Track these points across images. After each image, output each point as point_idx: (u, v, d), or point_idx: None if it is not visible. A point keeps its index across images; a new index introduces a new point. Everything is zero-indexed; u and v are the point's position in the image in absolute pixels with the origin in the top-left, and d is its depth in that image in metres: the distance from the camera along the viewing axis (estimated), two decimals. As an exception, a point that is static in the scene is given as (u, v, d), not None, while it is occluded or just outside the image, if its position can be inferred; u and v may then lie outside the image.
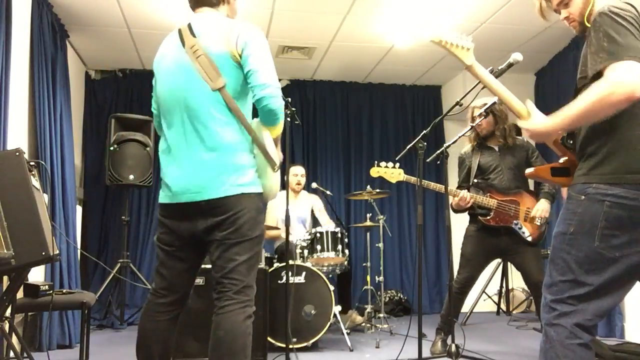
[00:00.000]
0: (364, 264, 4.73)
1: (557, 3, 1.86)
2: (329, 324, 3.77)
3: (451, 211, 3.60)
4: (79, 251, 4.39)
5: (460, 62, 2.00)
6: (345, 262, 4.24)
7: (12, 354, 2.56)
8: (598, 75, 1.60)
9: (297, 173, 4.77)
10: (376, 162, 3.67)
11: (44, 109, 3.85)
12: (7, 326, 2.51)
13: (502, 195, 3.55)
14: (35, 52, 3.80)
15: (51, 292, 2.86)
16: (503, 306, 5.63)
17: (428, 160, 3.46)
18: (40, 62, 3.85)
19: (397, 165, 3.60)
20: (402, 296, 5.74)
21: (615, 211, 1.60)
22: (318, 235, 4.12)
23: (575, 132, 1.82)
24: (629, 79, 1.52)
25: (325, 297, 3.78)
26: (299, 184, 4.75)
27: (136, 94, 5.71)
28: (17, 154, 2.41)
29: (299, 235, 4.31)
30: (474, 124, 3.47)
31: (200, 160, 2.00)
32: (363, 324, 4.59)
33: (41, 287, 2.83)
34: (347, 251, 4.20)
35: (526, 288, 5.31)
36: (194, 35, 2.05)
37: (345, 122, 6.21)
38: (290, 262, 3.64)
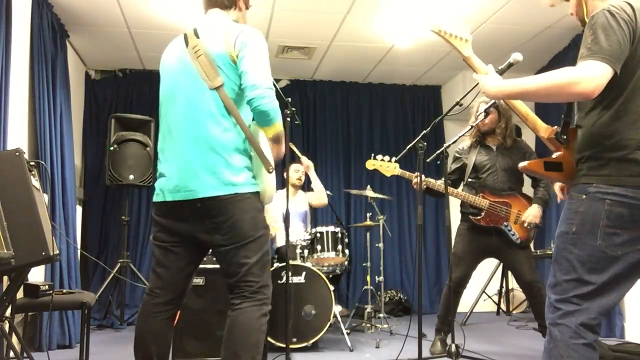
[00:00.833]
0: (364, 264, 4.73)
1: None
2: (329, 324, 3.77)
3: (451, 211, 3.60)
4: (79, 251, 4.39)
5: (458, 54, 2.03)
6: (346, 262, 4.24)
7: (12, 354, 2.56)
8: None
9: (299, 169, 4.75)
10: (373, 154, 3.66)
11: (44, 109, 3.85)
12: (7, 326, 2.51)
13: (494, 196, 3.56)
14: (35, 52, 3.80)
15: (51, 292, 2.86)
16: (503, 306, 5.63)
17: (428, 160, 3.46)
18: (40, 62, 3.85)
19: (394, 159, 3.60)
20: (402, 296, 5.74)
21: (616, 209, 1.61)
22: (318, 235, 4.12)
23: (571, 129, 1.84)
24: (595, 77, 1.56)
25: (325, 297, 3.78)
26: (299, 179, 4.73)
27: (136, 94, 5.71)
28: (17, 154, 2.41)
29: (299, 232, 4.31)
30: (477, 120, 3.47)
31: (194, 158, 2.02)
32: (363, 324, 4.59)
33: (41, 287, 2.83)
34: (347, 251, 4.20)
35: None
36: (197, 37, 2.10)
37: (345, 122, 6.21)
38: (290, 262, 3.63)
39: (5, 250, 2.09)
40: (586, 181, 1.68)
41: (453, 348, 3.15)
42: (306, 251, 4.08)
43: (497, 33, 4.77)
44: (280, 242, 4.57)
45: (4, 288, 2.60)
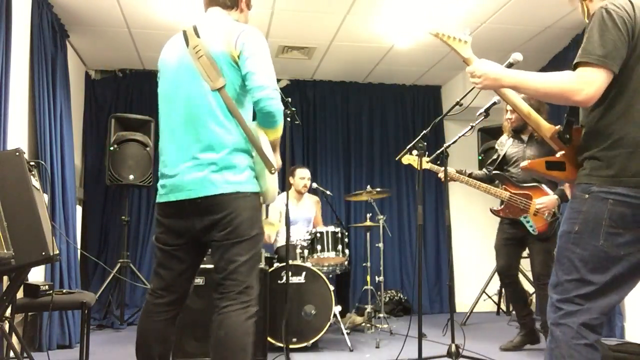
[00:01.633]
0: (364, 264, 4.73)
1: None
2: (329, 324, 3.77)
3: (451, 211, 3.63)
4: (79, 251, 4.39)
5: (457, 56, 2.02)
6: (346, 262, 4.24)
7: (12, 354, 2.56)
8: (575, 67, 1.64)
9: (304, 176, 4.74)
10: (408, 149, 3.61)
11: (44, 109, 3.85)
12: (7, 326, 2.52)
13: (516, 188, 3.62)
14: (35, 52, 3.80)
15: (51, 292, 2.86)
16: (503, 306, 5.63)
17: (428, 160, 3.46)
18: (40, 62, 3.85)
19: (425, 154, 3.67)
20: (402, 296, 5.74)
21: (618, 209, 1.61)
22: (318, 235, 4.12)
23: (574, 128, 1.83)
24: (593, 86, 1.58)
25: (325, 297, 3.78)
26: (305, 186, 4.74)
27: (136, 94, 5.71)
28: (17, 154, 2.41)
29: (302, 234, 4.31)
30: (479, 119, 3.49)
31: (197, 158, 2.01)
32: (363, 324, 4.59)
33: (41, 287, 2.83)
34: (347, 251, 4.20)
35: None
36: (198, 36, 2.08)
37: (345, 122, 6.20)
38: (290, 262, 3.63)
39: (5, 250, 2.09)
40: (589, 181, 1.67)
41: (453, 348, 3.15)
42: (306, 251, 4.08)
43: (497, 33, 4.77)
44: (280, 242, 4.57)
45: (4, 288, 2.60)
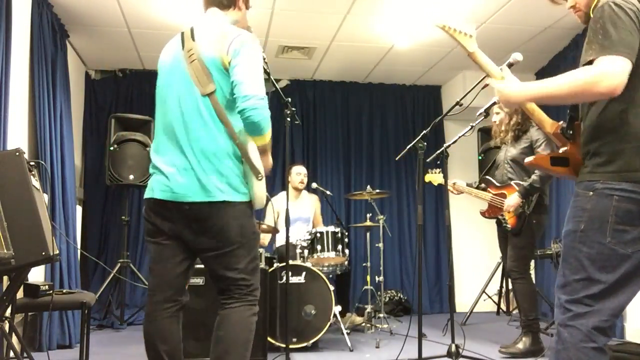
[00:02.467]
0: (364, 264, 4.73)
1: None
2: (329, 324, 3.77)
3: (451, 211, 3.68)
4: (79, 251, 4.39)
5: (463, 49, 2.02)
6: (346, 262, 4.25)
7: (12, 354, 2.56)
8: (588, 65, 1.58)
9: (301, 172, 4.80)
10: (430, 170, 4.02)
11: (44, 109, 3.85)
12: (7, 326, 2.51)
13: (496, 188, 3.75)
14: (35, 52, 3.80)
15: (51, 292, 2.86)
16: (503, 306, 5.63)
17: (428, 160, 3.47)
18: (40, 62, 3.85)
19: (439, 170, 3.94)
20: (402, 296, 5.74)
21: (624, 205, 1.57)
22: (318, 235, 4.12)
23: (577, 123, 1.80)
24: (617, 73, 1.51)
25: (325, 297, 3.78)
26: (302, 182, 4.77)
27: (136, 94, 5.71)
28: (17, 154, 2.41)
29: (302, 234, 4.32)
30: (478, 120, 3.52)
31: (185, 162, 2.02)
32: (363, 324, 4.59)
33: (41, 287, 2.83)
34: (347, 251, 4.20)
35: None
36: (193, 39, 2.09)
37: (345, 122, 6.20)
38: (290, 262, 3.63)
39: (5, 250, 2.09)
40: (592, 178, 1.64)
41: (453, 348, 3.15)
42: (306, 251, 4.08)
43: (497, 33, 4.77)
44: (280, 242, 4.57)
45: (4, 288, 2.60)
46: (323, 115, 6.15)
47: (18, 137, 3.58)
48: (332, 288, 3.82)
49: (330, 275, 4.34)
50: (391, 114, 6.28)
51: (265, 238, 4.60)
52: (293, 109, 3.25)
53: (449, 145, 3.48)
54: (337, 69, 5.81)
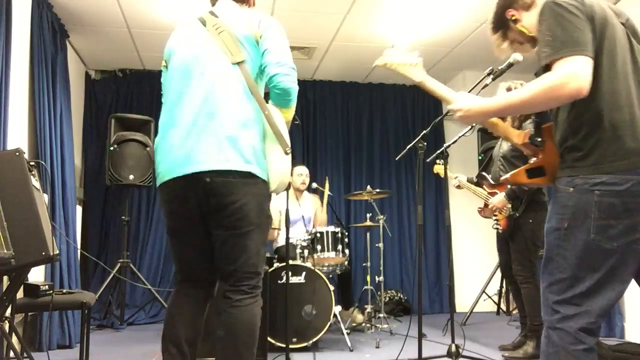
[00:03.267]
0: (364, 264, 4.73)
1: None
2: (329, 324, 3.76)
3: (451, 211, 3.66)
4: (79, 251, 4.38)
5: (410, 80, 1.93)
6: (346, 262, 4.24)
7: (12, 354, 2.56)
8: (546, 68, 1.56)
9: (302, 173, 4.78)
10: (437, 161, 3.93)
11: (44, 109, 3.85)
12: (7, 326, 2.51)
13: (490, 187, 3.67)
14: (35, 52, 3.80)
15: (51, 292, 2.86)
16: (503, 306, 5.63)
17: (428, 160, 3.48)
18: (40, 62, 3.85)
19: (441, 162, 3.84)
20: (402, 296, 5.74)
21: (606, 199, 1.53)
22: (318, 235, 4.12)
23: (544, 128, 1.77)
24: (579, 72, 1.48)
25: (325, 297, 3.78)
26: (303, 183, 4.77)
27: (136, 94, 5.71)
28: (17, 154, 2.41)
29: (302, 234, 4.32)
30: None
31: (208, 130, 1.92)
32: (363, 324, 4.59)
33: (41, 287, 2.83)
34: (347, 251, 4.20)
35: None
36: (216, 17, 2.07)
37: (345, 122, 6.21)
38: (290, 262, 3.63)
39: (5, 250, 2.09)
40: (571, 173, 1.60)
41: (453, 348, 3.15)
42: (306, 251, 4.08)
43: (497, 33, 4.76)
44: (280, 242, 4.57)
45: (4, 288, 2.60)
46: (323, 115, 6.15)
47: (18, 137, 3.58)
48: (332, 288, 3.82)
49: (331, 275, 4.34)
50: (391, 114, 6.28)
51: (274, 232, 4.60)
52: (293, 109, 3.24)
53: (449, 145, 3.48)
54: (337, 69, 5.81)
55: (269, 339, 3.53)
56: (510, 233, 3.55)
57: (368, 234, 4.78)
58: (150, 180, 4.81)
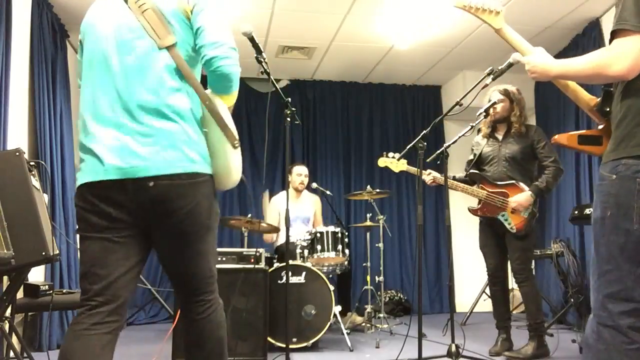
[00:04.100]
0: (364, 264, 4.73)
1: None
2: (329, 324, 3.76)
3: (451, 211, 3.63)
4: (78, 251, 4.38)
5: (490, 27, 1.90)
6: (346, 262, 4.24)
7: (12, 354, 2.56)
8: (612, 37, 1.51)
9: (301, 173, 4.78)
10: (384, 152, 3.81)
11: (44, 109, 3.85)
12: (7, 326, 2.51)
13: (492, 186, 3.59)
14: (35, 52, 3.80)
15: (51, 292, 2.86)
16: (503, 306, 5.63)
17: (428, 160, 3.46)
18: (40, 62, 3.85)
19: (396, 155, 3.72)
20: (402, 296, 5.74)
21: None
22: (318, 235, 4.12)
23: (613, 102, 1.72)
24: (626, 55, 1.45)
25: (325, 297, 3.78)
26: (302, 183, 4.76)
27: (136, 94, 5.70)
28: (17, 154, 2.41)
29: (302, 234, 4.32)
30: (483, 108, 3.49)
31: (142, 128, 1.64)
32: (363, 324, 4.59)
33: (41, 287, 2.83)
34: (347, 251, 4.20)
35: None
36: None
37: (345, 122, 6.21)
38: (290, 262, 3.63)
39: (5, 250, 2.09)
40: (614, 157, 1.53)
41: (453, 348, 3.15)
42: (306, 251, 4.08)
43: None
44: (280, 241, 4.57)
45: (4, 288, 2.60)
46: (323, 115, 6.15)
47: (18, 137, 3.58)
48: (332, 288, 3.81)
49: (331, 275, 4.34)
50: (391, 114, 6.28)
51: (269, 234, 4.60)
52: (293, 109, 3.24)
53: (449, 145, 3.48)
54: (337, 69, 5.81)
55: (269, 339, 3.53)
56: (525, 232, 3.50)
57: (368, 234, 4.77)
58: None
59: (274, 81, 2.93)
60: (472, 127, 3.48)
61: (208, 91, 1.76)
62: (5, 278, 2.62)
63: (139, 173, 1.62)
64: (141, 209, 1.66)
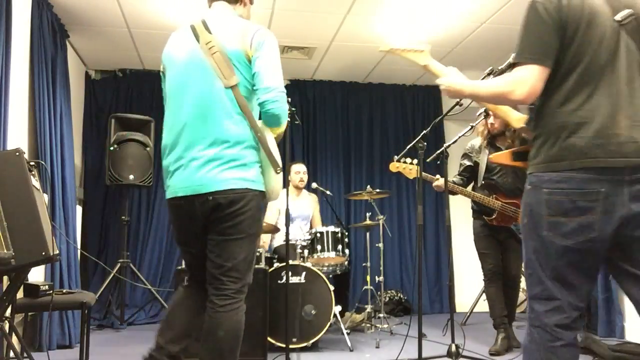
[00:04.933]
0: (364, 264, 4.73)
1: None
2: (329, 324, 3.76)
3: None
4: (79, 251, 4.39)
5: (416, 65, 2.01)
6: (346, 262, 4.24)
7: (12, 354, 2.56)
8: (514, 65, 1.65)
9: (300, 170, 4.80)
10: (395, 157, 3.71)
11: (44, 109, 3.85)
12: (7, 326, 2.51)
13: (506, 197, 3.67)
14: (35, 52, 3.80)
15: (51, 292, 2.86)
16: (503, 306, 5.63)
17: (428, 160, 3.47)
18: (40, 62, 3.85)
19: (415, 161, 3.58)
20: (402, 296, 5.74)
21: (554, 197, 1.56)
22: (318, 235, 4.12)
23: None
24: (526, 82, 1.57)
25: (325, 297, 3.78)
26: (302, 180, 4.77)
27: (136, 94, 5.71)
28: (17, 154, 2.41)
29: (301, 233, 4.32)
30: (477, 121, 3.51)
31: (207, 153, 2.03)
32: (363, 324, 4.59)
33: (41, 287, 2.83)
34: (347, 251, 4.20)
35: (526, 288, 5.33)
36: (209, 32, 2.09)
37: (345, 122, 6.21)
38: (290, 262, 3.63)
39: (5, 250, 2.09)
40: (530, 171, 1.66)
41: (453, 348, 3.15)
42: (306, 251, 4.08)
43: (497, 33, 4.77)
44: (278, 241, 4.57)
45: (4, 288, 2.60)
46: (323, 115, 6.15)
47: (18, 137, 3.58)
48: (332, 288, 3.82)
49: (330, 276, 4.34)
50: (391, 114, 6.28)
51: (265, 239, 4.60)
52: (293, 109, 3.25)
53: (449, 145, 3.48)
54: (337, 69, 5.81)
55: (269, 339, 3.53)
56: None
57: (368, 234, 4.77)
58: (150, 180, 4.81)
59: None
60: (472, 127, 3.49)
61: (260, 122, 2.11)
62: (5, 278, 2.62)
63: (200, 190, 2.03)
64: (204, 216, 2.08)
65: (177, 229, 2.20)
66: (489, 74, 2.98)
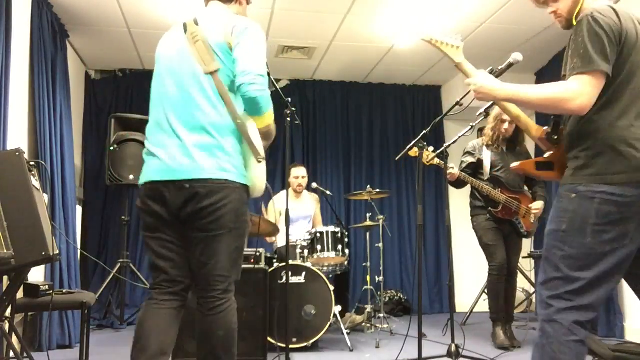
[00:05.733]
0: (364, 264, 4.73)
1: None
2: (329, 324, 3.76)
3: (451, 211, 3.72)
4: (79, 251, 4.39)
5: (450, 61, 2.07)
6: (346, 262, 4.24)
7: (12, 354, 2.56)
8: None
9: (299, 175, 4.74)
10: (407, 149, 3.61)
11: (44, 109, 3.85)
12: (7, 326, 2.51)
13: (509, 192, 3.87)
14: (35, 52, 3.80)
15: (51, 292, 2.86)
16: (503, 306, 5.63)
17: (428, 160, 3.46)
18: (40, 62, 3.85)
19: (431, 148, 3.58)
20: (402, 296, 5.74)
21: (605, 207, 1.65)
22: (318, 235, 4.12)
23: (561, 129, 1.89)
24: (588, 93, 1.63)
25: (325, 297, 3.78)
26: (300, 185, 4.73)
27: (136, 94, 5.71)
28: (17, 154, 2.41)
29: (304, 233, 4.31)
30: (478, 120, 3.53)
31: (187, 139, 1.98)
32: (363, 324, 4.59)
33: (41, 287, 2.83)
34: (347, 251, 4.20)
35: (526, 288, 5.35)
36: (197, 25, 2.10)
37: (345, 122, 6.21)
38: (290, 262, 3.63)
39: (5, 250, 2.09)
40: (573, 181, 1.72)
41: (453, 348, 3.15)
42: (306, 251, 4.08)
43: (497, 33, 4.77)
44: (280, 242, 4.57)
45: (4, 288, 2.60)
46: (323, 115, 6.15)
47: (18, 137, 3.58)
48: (332, 288, 3.81)
49: (330, 276, 4.34)
50: (391, 114, 6.28)
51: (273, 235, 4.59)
52: (293, 109, 3.25)
53: (449, 145, 3.48)
54: (337, 69, 5.81)
55: (269, 339, 3.53)
56: (533, 233, 3.98)
57: (368, 234, 4.77)
58: (150, 180, 4.80)
59: (274, 81, 2.94)
60: (472, 127, 3.49)
61: (245, 113, 2.03)
62: (5, 278, 2.62)
63: (178, 176, 1.96)
64: (179, 205, 2.00)
65: (147, 214, 2.08)
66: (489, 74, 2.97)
